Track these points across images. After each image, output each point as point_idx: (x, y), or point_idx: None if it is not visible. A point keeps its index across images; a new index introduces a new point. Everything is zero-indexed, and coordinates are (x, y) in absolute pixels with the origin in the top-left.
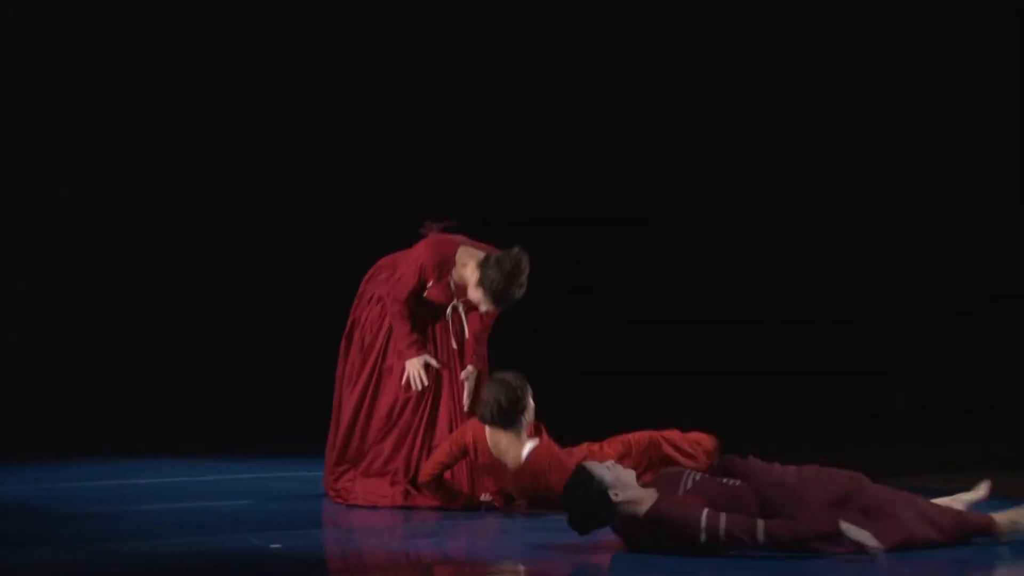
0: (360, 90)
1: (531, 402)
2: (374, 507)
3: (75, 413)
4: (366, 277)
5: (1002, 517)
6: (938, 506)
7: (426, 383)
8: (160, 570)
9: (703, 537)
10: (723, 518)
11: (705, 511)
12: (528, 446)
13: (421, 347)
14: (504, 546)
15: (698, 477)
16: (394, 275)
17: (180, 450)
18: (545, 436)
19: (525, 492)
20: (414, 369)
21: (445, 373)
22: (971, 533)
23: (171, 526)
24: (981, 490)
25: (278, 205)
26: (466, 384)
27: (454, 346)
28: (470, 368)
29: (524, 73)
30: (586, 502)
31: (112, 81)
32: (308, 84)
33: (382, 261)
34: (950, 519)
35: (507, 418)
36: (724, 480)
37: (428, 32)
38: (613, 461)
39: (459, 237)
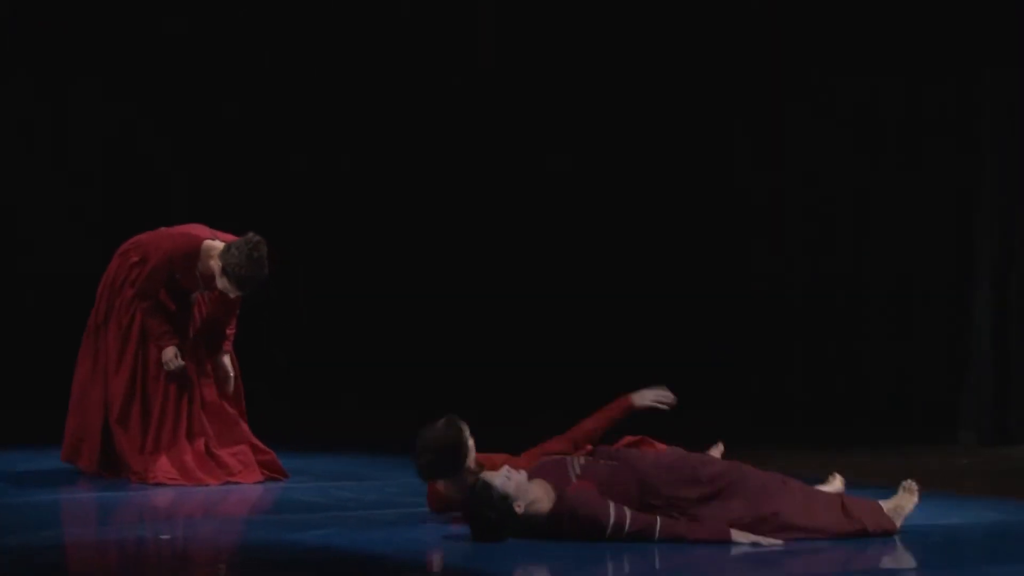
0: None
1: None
2: (185, 485)
3: None
4: (114, 264)
5: (886, 504)
6: (824, 493)
7: (174, 369)
8: (46, 563)
9: (608, 532)
10: (628, 516)
11: (612, 507)
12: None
13: (172, 338)
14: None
15: (583, 461)
16: (144, 268)
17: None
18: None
19: None
20: (170, 361)
21: (201, 352)
22: (861, 520)
23: (58, 517)
24: (835, 482)
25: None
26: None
27: (198, 326)
28: (223, 356)
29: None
30: (493, 520)
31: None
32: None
33: (128, 244)
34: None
35: (451, 468)
36: (604, 462)
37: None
38: (507, 467)
39: (204, 231)
